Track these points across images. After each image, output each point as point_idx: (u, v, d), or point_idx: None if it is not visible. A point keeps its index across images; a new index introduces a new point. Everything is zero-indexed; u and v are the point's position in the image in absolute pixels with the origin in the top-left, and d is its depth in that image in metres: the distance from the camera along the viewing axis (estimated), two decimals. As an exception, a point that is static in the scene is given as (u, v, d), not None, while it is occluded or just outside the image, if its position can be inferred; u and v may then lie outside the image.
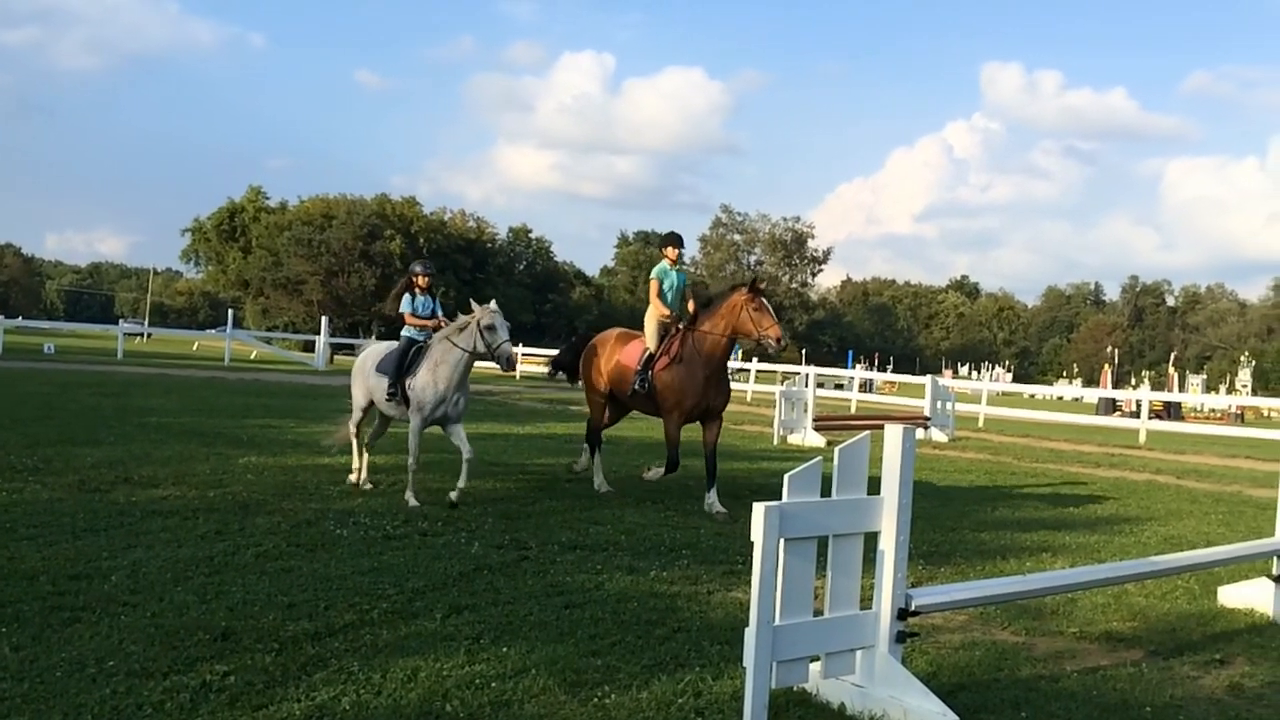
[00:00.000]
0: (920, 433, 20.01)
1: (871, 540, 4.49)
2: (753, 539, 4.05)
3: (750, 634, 4.03)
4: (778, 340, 9.44)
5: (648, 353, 9.87)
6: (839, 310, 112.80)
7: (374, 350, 9.89)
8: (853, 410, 28.01)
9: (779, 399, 18.39)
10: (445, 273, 72.19)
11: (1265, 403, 36.84)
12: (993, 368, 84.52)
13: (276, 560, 6.39)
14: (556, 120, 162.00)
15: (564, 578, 6.41)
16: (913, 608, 4.53)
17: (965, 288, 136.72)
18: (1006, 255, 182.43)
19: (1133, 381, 56.14)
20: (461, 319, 9.07)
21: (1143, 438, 23.79)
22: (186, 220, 77.67)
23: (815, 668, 4.42)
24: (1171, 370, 38.40)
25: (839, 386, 36.89)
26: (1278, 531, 6.73)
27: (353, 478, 9.61)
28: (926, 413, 20.61)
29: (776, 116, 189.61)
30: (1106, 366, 42.46)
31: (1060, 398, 48.51)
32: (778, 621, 4.12)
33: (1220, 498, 13.20)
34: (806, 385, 18.71)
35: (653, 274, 10.32)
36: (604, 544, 7.49)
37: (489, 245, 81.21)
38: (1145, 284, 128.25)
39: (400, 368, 9.17)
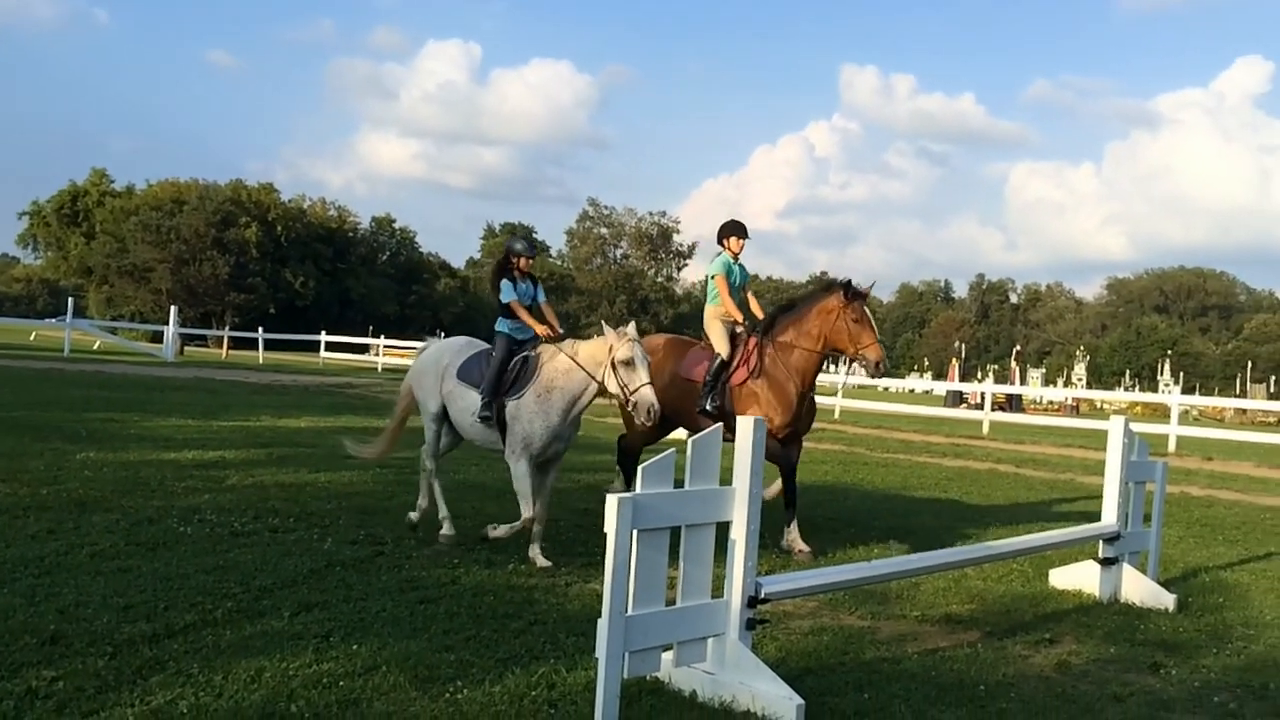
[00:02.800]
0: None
1: (725, 530, 4.58)
2: (606, 531, 4.08)
3: (603, 625, 4.06)
4: (878, 364, 8.06)
5: (719, 360, 8.32)
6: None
7: (449, 347, 7.91)
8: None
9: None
10: (305, 262, 70.33)
11: (1098, 395, 39.08)
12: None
13: (113, 560, 6.10)
14: (421, 108, 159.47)
15: (420, 572, 6.33)
16: (762, 595, 4.63)
17: (824, 284, 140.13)
18: (863, 252, 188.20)
19: (979, 375, 58.67)
20: (589, 345, 7.09)
21: (986, 428, 24.91)
22: (23, 203, 73.46)
23: (668, 656, 4.47)
24: (1014, 364, 40.32)
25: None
26: (1103, 517, 7.16)
27: (414, 515, 7.77)
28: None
29: (643, 111, 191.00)
30: (954, 361, 44.29)
31: (912, 390, 50.29)
32: (630, 612, 4.15)
33: (1055, 485, 13.93)
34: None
35: (716, 269, 8.77)
36: (462, 537, 7.41)
37: (351, 235, 79.33)
38: (991, 281, 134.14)
39: (500, 382, 7.27)
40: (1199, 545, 9.45)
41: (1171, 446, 21.36)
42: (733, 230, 8.83)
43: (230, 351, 43.00)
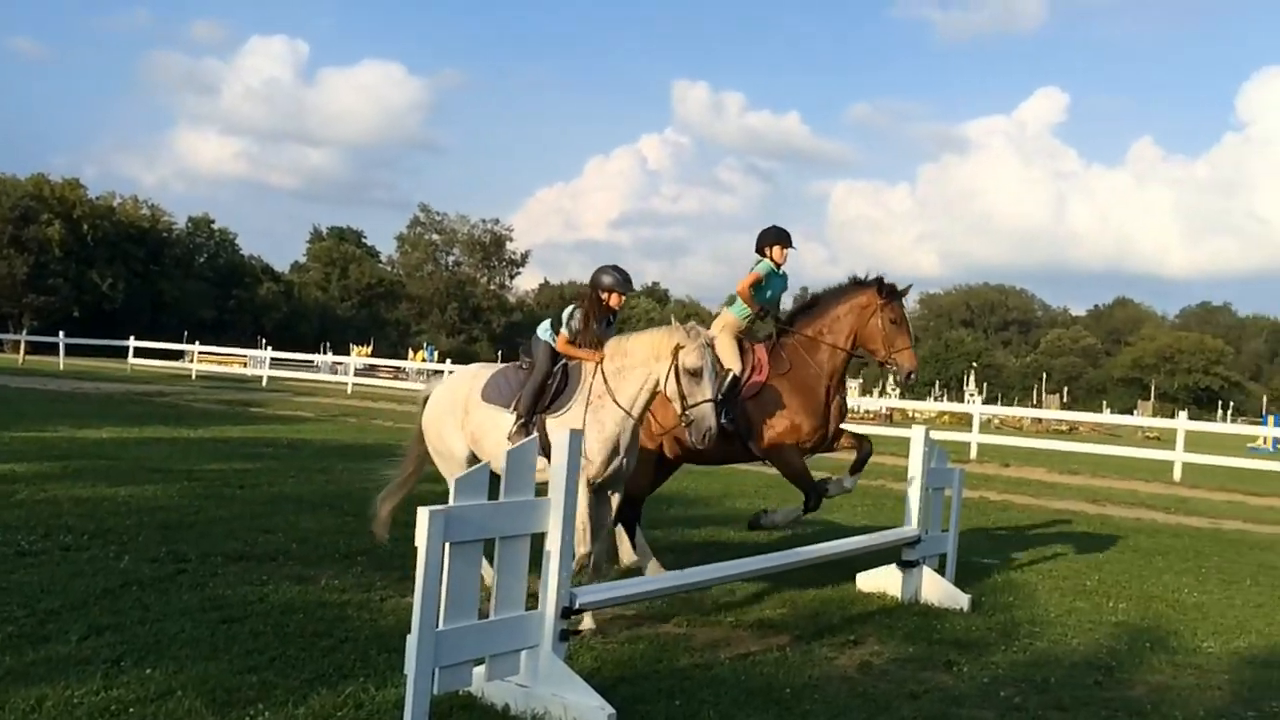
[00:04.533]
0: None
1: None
2: (417, 544, 4.02)
3: (412, 640, 4.00)
4: (911, 372, 7.43)
5: (730, 376, 7.23)
6: (537, 313, 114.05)
7: (460, 377, 6.92)
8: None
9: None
10: (114, 263, 66.38)
11: (910, 404, 40.98)
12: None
13: (-123, 585, 5.62)
14: (243, 106, 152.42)
15: (224, 591, 6.07)
16: (577, 606, 4.66)
17: (656, 294, 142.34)
18: (694, 264, 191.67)
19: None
20: (643, 338, 6.13)
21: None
22: None
23: (480, 670, 4.44)
24: (835, 375, 41.87)
25: (533, 389, 37.29)
26: (905, 522, 7.52)
27: None
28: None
29: (477, 118, 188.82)
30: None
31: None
32: (441, 626, 4.11)
33: (867, 492, 14.49)
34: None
35: (756, 267, 7.87)
36: (273, 553, 7.16)
37: (165, 235, 75.39)
38: (815, 293, 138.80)
39: (542, 395, 6.36)
40: (996, 547, 10.02)
41: (973, 454, 22.61)
42: (776, 238, 7.93)
43: (28, 357, 40.20)
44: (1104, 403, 73.20)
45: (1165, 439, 30.86)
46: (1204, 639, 6.74)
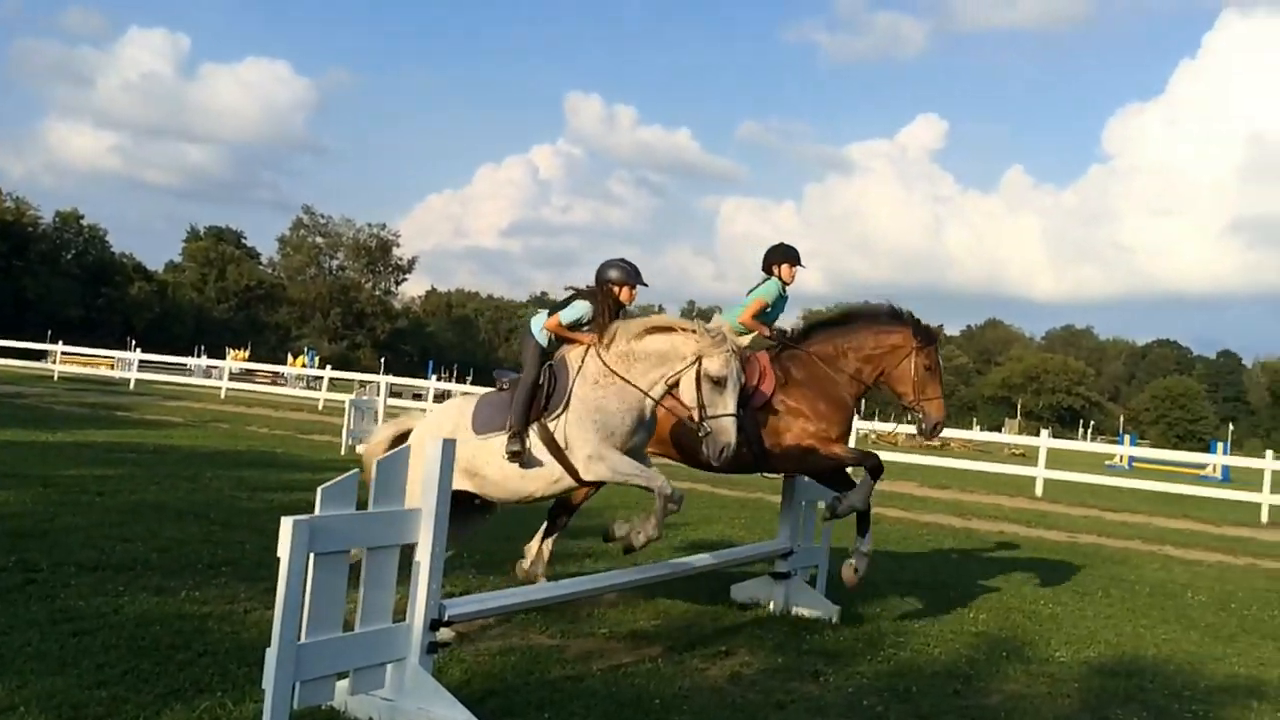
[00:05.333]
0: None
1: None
2: (279, 555, 3.92)
3: (271, 654, 3.89)
4: (938, 424, 7.03)
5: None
6: (422, 320, 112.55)
7: (451, 413, 6.21)
8: (427, 421, 27.98)
9: (349, 408, 17.98)
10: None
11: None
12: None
13: None
14: (120, 99, 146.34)
15: (76, 602, 5.80)
16: (446, 618, 4.60)
17: (545, 303, 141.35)
18: (584, 274, 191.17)
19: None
20: (658, 331, 5.65)
21: (691, 450, 25.99)
22: None
23: (344, 684, 4.35)
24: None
25: (417, 396, 36.69)
26: (779, 534, 7.66)
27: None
28: (497, 424, 21.06)
29: (365, 120, 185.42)
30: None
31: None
32: (304, 639, 4.01)
33: (745, 504, 14.73)
34: (379, 394, 18.44)
35: (760, 293, 7.52)
36: (131, 563, 6.88)
37: (30, 229, 71.99)
38: (701, 309, 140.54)
39: (533, 402, 5.78)
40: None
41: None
42: (785, 256, 7.61)
43: None
44: (974, 420, 75.85)
45: (1029, 456, 32.13)
46: (1057, 649, 7.03)
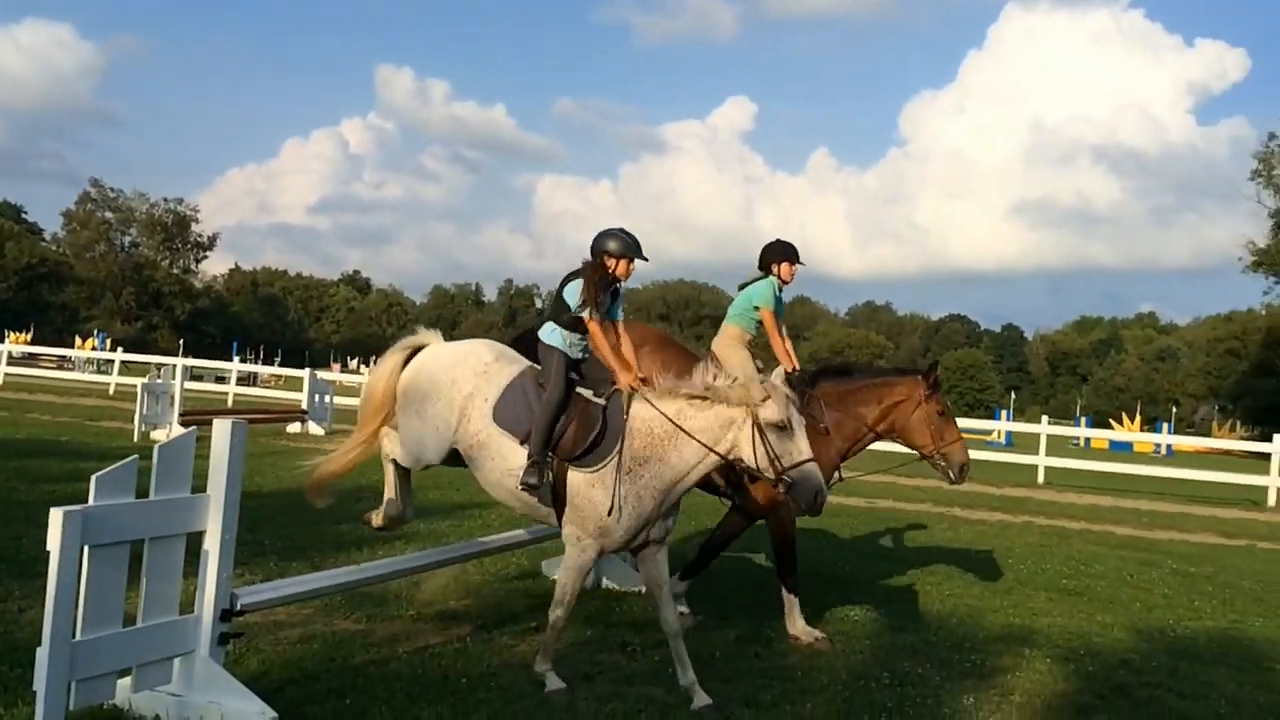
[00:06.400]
0: (297, 426, 19.80)
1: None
2: (49, 548, 3.68)
3: (42, 654, 3.67)
4: (964, 466, 6.90)
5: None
6: (226, 300, 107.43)
7: (470, 357, 5.64)
8: (229, 404, 26.80)
9: (141, 392, 16.99)
10: None
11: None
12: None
13: None
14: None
15: None
16: (238, 608, 4.43)
17: (357, 282, 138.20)
18: (397, 252, 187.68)
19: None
20: (703, 407, 5.02)
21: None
22: None
23: (127, 682, 4.13)
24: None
25: (220, 379, 35.06)
26: (589, 509, 7.71)
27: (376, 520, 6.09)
28: (304, 406, 20.42)
29: (159, 89, 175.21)
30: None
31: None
32: (79, 636, 3.79)
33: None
34: (174, 377, 17.51)
35: (763, 299, 7.12)
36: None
37: None
38: (519, 287, 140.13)
39: (553, 429, 5.21)
40: (674, 530, 10.49)
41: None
42: (784, 254, 7.23)
43: None
44: (785, 394, 78.48)
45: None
46: (852, 608, 7.38)
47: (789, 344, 7.27)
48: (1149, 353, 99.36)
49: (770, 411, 4.81)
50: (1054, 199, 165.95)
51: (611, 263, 5.45)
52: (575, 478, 5.09)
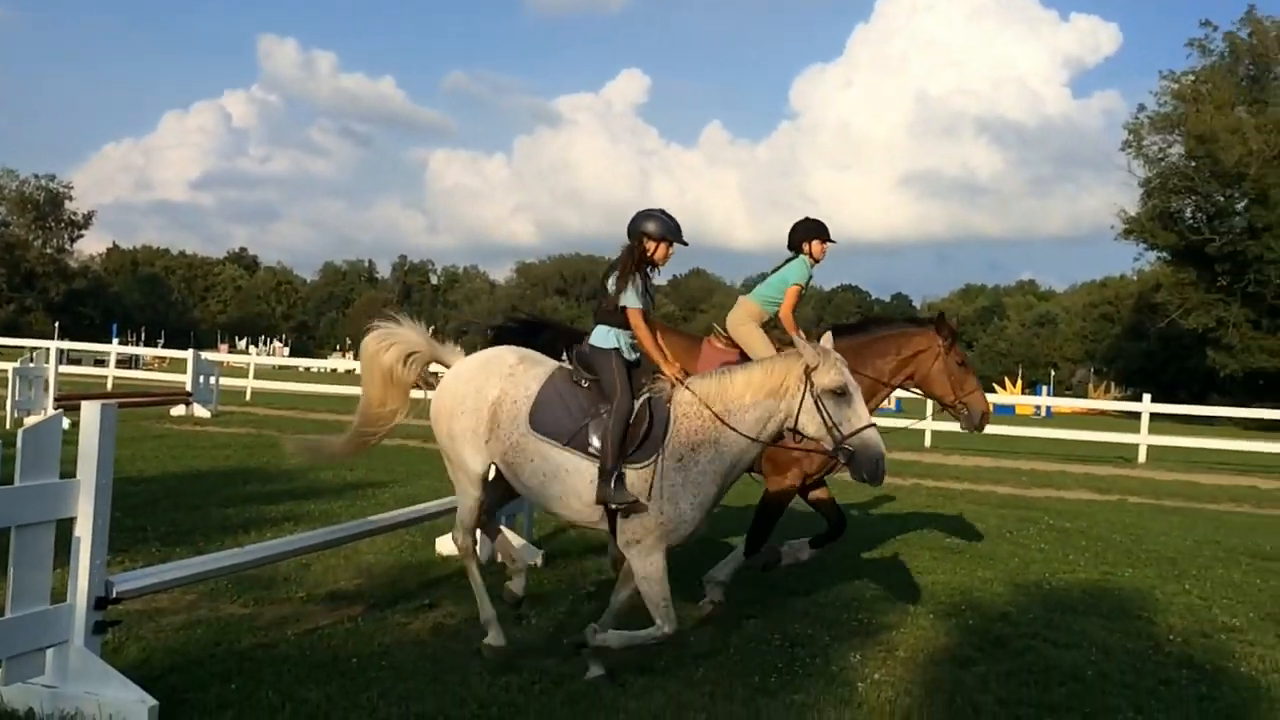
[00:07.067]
0: (182, 409, 19.21)
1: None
2: (-96, 541, 3.51)
3: (-101, 651, 3.49)
4: (985, 415, 6.85)
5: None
6: (104, 280, 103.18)
7: (496, 364, 5.32)
8: (109, 388, 25.82)
9: (12, 377, 16.27)
10: None
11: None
12: (271, 341, 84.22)
13: None
14: None
15: None
16: (114, 595, 4.30)
17: (244, 260, 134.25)
18: (286, 229, 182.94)
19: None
20: (765, 365, 4.94)
21: (402, 406, 25.53)
22: None
23: (-3, 675, 3.97)
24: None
25: (99, 362, 33.72)
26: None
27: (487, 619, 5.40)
28: (188, 388, 19.81)
29: (25, 59, 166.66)
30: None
31: (334, 370, 49.90)
32: (-61, 632, 3.62)
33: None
34: (49, 361, 16.78)
35: (799, 276, 6.99)
36: None
37: None
38: (413, 263, 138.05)
39: (626, 439, 4.89)
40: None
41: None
42: (817, 232, 7.06)
43: None
44: (683, 366, 79.15)
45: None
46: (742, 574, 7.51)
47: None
48: (1029, 319, 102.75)
49: (828, 377, 4.65)
50: (939, 170, 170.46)
51: (651, 246, 5.16)
52: (630, 475, 4.84)
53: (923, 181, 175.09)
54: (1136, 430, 21.44)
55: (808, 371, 4.70)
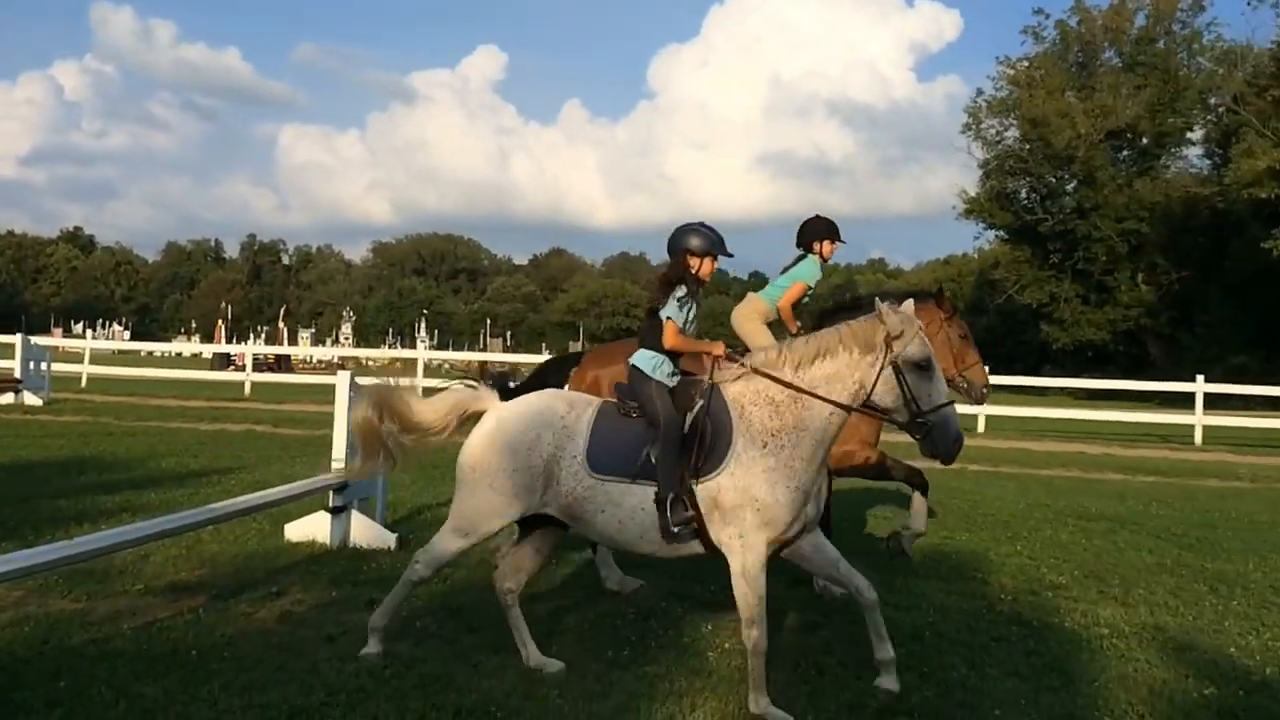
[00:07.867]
0: (10, 396, 18.15)
1: None
2: None
3: None
4: (985, 388, 6.77)
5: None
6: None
7: (545, 412, 4.89)
8: (-72, 376, 24.12)
9: None
10: None
11: (362, 353, 41.13)
12: (110, 325, 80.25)
13: None
14: None
15: None
16: (-74, 594, 4.04)
17: (79, 240, 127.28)
18: (125, 207, 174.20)
19: (251, 337, 57.98)
20: (828, 335, 4.67)
21: (248, 390, 24.76)
22: None
23: None
24: (282, 325, 40.64)
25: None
26: (333, 468, 7.53)
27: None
28: (17, 375, 18.71)
29: None
30: (220, 322, 43.24)
31: (179, 354, 47.86)
32: None
33: (309, 442, 14.30)
34: None
35: (809, 275, 6.88)
36: None
37: None
38: (263, 242, 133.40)
39: (680, 464, 4.60)
40: (427, 486, 10.36)
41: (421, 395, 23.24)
42: (827, 232, 6.94)
43: None
44: (543, 345, 79.03)
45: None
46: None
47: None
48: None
49: (914, 349, 4.45)
50: (793, 151, 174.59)
51: (695, 262, 4.97)
52: (706, 487, 4.59)
53: (777, 162, 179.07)
54: (976, 401, 22.48)
55: (888, 340, 4.49)
